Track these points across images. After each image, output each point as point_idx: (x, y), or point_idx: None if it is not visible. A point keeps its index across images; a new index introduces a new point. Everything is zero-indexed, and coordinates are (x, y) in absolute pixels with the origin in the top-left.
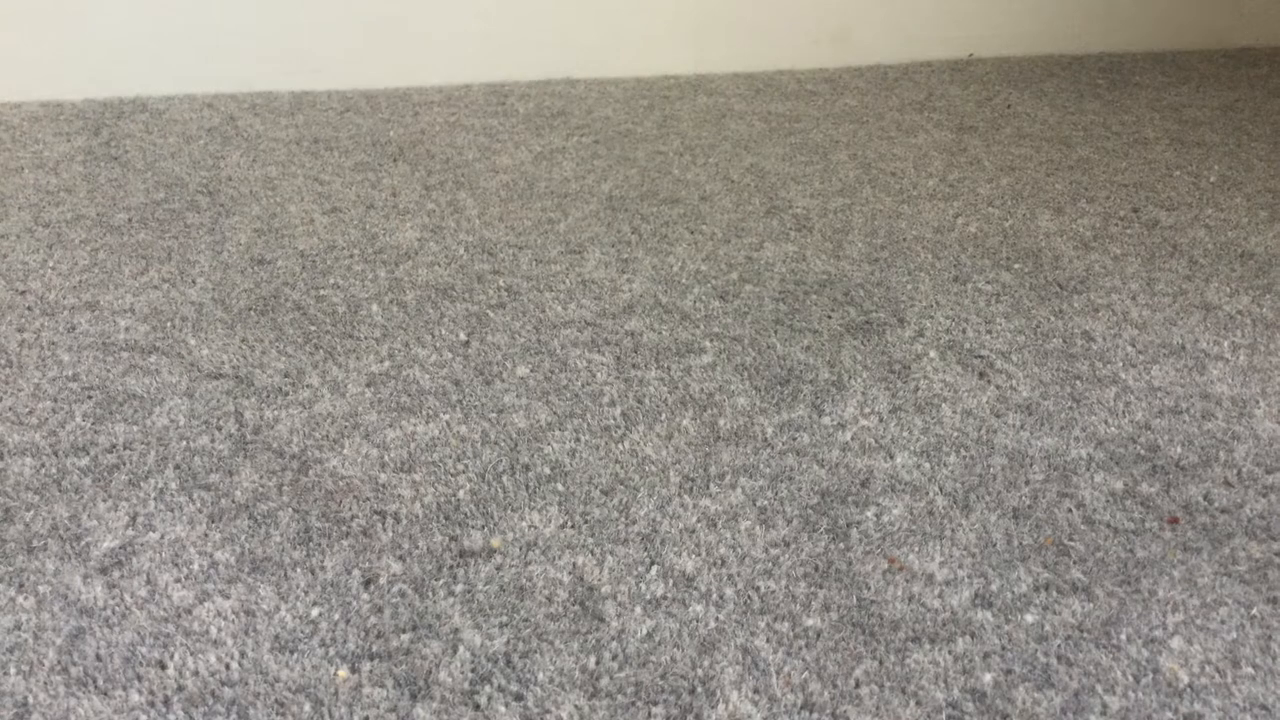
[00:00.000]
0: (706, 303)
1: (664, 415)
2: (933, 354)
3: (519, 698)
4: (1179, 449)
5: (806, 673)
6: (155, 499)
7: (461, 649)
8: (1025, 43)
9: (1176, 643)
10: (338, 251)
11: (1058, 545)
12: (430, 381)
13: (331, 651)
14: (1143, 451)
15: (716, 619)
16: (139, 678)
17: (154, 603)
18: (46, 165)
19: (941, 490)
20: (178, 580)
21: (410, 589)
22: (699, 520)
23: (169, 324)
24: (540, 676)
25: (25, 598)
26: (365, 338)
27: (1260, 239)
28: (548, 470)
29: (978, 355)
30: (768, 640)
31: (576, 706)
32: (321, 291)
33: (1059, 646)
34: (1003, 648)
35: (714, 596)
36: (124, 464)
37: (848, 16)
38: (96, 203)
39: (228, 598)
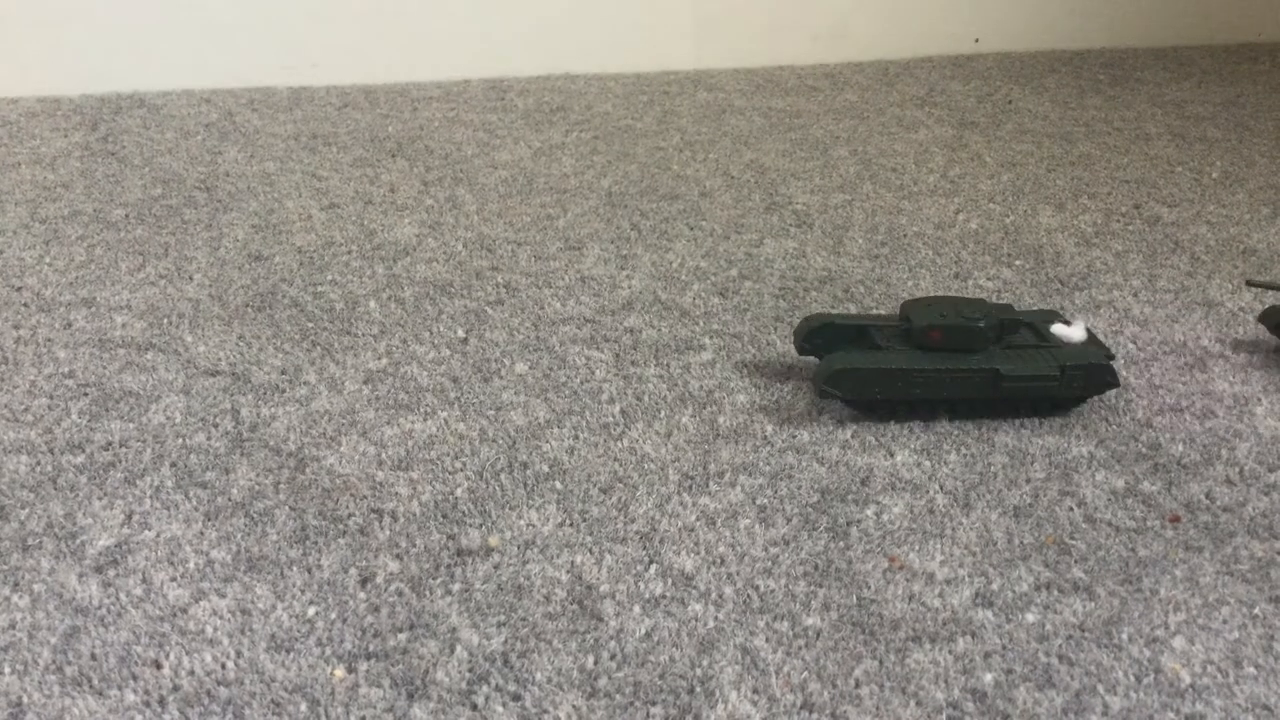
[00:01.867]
0: (706, 299)
1: (663, 413)
2: None
3: (517, 698)
4: (1180, 447)
5: (806, 672)
6: (151, 497)
7: (459, 648)
8: (1027, 38)
9: (1178, 642)
10: (335, 248)
11: (1059, 544)
12: (428, 379)
13: (328, 651)
14: (1144, 449)
15: (715, 618)
16: (134, 677)
17: (149, 601)
18: (44, 161)
19: (942, 488)
20: (173, 579)
21: (407, 588)
22: (698, 519)
23: (165, 320)
24: (538, 676)
25: (20, 596)
26: (363, 334)
27: (1262, 235)
28: (546, 468)
29: None
30: (767, 640)
31: (574, 706)
32: (319, 288)
33: (1060, 646)
34: (1003, 647)
35: (713, 595)
36: (120, 462)
37: (848, 12)
38: (93, 198)
39: (224, 596)
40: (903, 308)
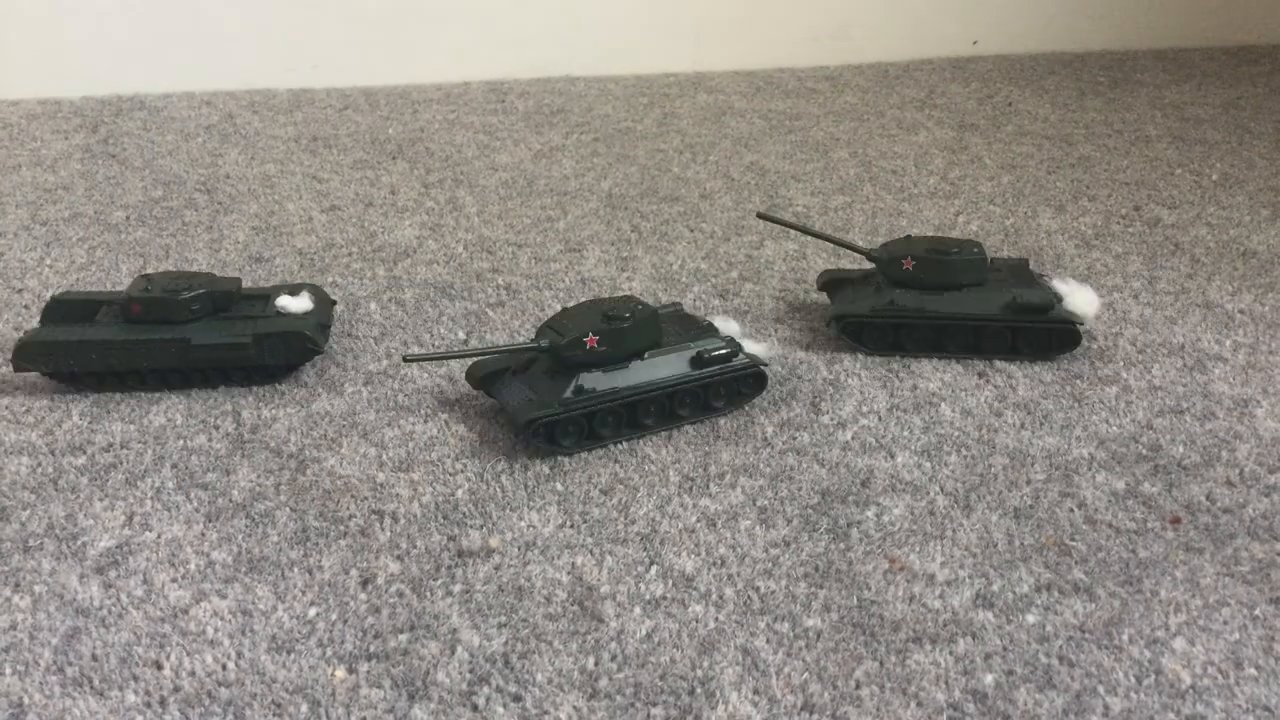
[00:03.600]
0: (707, 301)
1: None
2: None
3: (517, 699)
4: (1181, 448)
5: (806, 674)
6: (152, 498)
7: (460, 649)
8: (1027, 40)
9: (1179, 643)
10: (336, 249)
11: (1059, 545)
12: (428, 380)
13: (329, 652)
14: (1144, 451)
15: (716, 619)
16: (135, 678)
17: (150, 602)
18: (44, 163)
19: (942, 490)
20: (174, 580)
21: (408, 589)
22: (699, 520)
23: None
24: (539, 677)
25: (21, 597)
26: (363, 336)
27: (1262, 237)
28: (546, 470)
29: None
30: (768, 641)
31: (575, 708)
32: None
33: (1061, 647)
34: (1004, 648)
35: (714, 597)
36: (121, 463)
37: (848, 14)
38: (94, 200)
39: (224, 598)
40: None
